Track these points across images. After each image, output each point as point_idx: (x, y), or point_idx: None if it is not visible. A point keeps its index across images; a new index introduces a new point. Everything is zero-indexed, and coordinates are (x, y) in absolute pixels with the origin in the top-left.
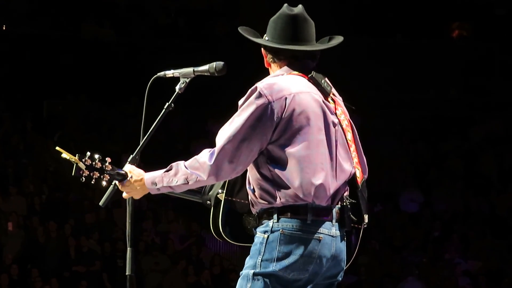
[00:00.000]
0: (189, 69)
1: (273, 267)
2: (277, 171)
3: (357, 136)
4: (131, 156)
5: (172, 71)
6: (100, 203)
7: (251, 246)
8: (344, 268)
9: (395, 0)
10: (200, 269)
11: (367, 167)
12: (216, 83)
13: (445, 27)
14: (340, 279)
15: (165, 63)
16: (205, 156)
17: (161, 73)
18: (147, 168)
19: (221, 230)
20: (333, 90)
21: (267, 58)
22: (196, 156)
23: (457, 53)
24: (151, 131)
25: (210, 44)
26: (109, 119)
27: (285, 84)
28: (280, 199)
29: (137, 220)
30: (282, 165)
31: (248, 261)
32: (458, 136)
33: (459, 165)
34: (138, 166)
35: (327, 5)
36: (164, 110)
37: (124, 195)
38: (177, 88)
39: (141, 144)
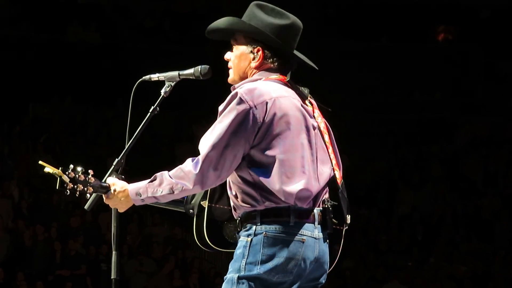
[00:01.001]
0: (174, 73)
1: (258, 270)
2: (258, 175)
3: (333, 138)
4: (117, 159)
5: (157, 74)
6: (86, 207)
7: (233, 251)
8: (328, 271)
9: (380, 3)
10: (185, 272)
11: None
12: (201, 86)
13: (430, 30)
14: (323, 281)
15: (150, 66)
16: (189, 165)
17: (146, 77)
18: (132, 172)
19: (206, 237)
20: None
21: (262, 59)
22: (180, 166)
23: (443, 56)
24: (136, 134)
25: (195, 47)
26: (95, 122)
27: (265, 89)
28: (263, 202)
29: (122, 223)
30: (264, 169)
31: (232, 265)
32: (443, 139)
33: (444, 168)
34: (123, 170)
35: (311, 8)
36: (149, 113)
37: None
38: (162, 91)
39: (126, 147)
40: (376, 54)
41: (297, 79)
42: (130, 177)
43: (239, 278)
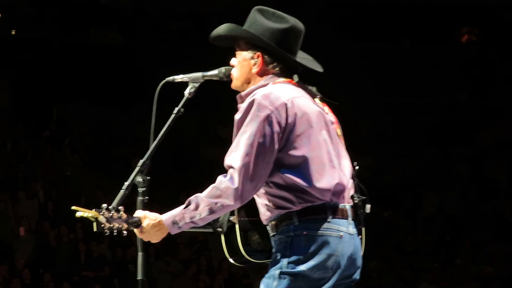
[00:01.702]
0: (198, 74)
1: (300, 267)
2: (290, 176)
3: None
4: (141, 161)
5: (181, 75)
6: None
7: (264, 262)
8: (360, 268)
9: (404, 5)
10: (210, 273)
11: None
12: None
13: (454, 32)
14: (358, 277)
15: (174, 67)
16: (224, 182)
17: (170, 78)
18: (157, 173)
19: (243, 251)
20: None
21: (263, 64)
22: (213, 185)
23: (466, 58)
24: (161, 136)
25: (219, 48)
26: (119, 123)
27: (280, 92)
28: (299, 203)
29: None
30: (294, 169)
31: (273, 265)
32: (468, 140)
33: (469, 169)
34: (148, 172)
35: (334, 10)
36: (173, 114)
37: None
38: (186, 92)
39: (150, 149)
40: (399, 56)
41: (315, 80)
42: (155, 178)
43: (281, 273)
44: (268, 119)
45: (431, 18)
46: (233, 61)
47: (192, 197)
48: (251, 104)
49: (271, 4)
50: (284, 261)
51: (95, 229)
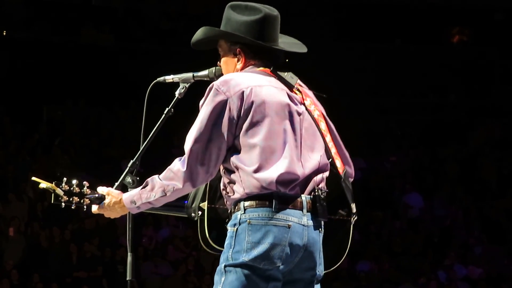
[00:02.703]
0: (189, 74)
1: (243, 257)
2: (240, 163)
3: (333, 127)
4: (131, 161)
5: (171, 76)
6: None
7: None
8: (338, 264)
9: (395, 5)
10: (200, 274)
11: (350, 160)
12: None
13: (445, 32)
14: (320, 273)
15: (164, 67)
16: (177, 164)
17: (161, 78)
18: (147, 174)
19: (208, 239)
20: (299, 82)
21: (245, 59)
22: (169, 167)
23: (457, 58)
24: (151, 136)
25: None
26: (109, 124)
27: (242, 79)
28: (244, 189)
29: (138, 226)
30: (245, 156)
31: (221, 257)
32: (457, 141)
33: (458, 170)
34: (138, 172)
35: (325, 10)
36: (164, 115)
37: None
38: (176, 93)
39: (141, 149)
40: (390, 56)
41: (308, 79)
42: (144, 180)
43: (225, 266)
44: (222, 105)
45: (422, 18)
46: (220, 63)
47: (149, 178)
48: (210, 89)
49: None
50: (230, 252)
51: (52, 201)
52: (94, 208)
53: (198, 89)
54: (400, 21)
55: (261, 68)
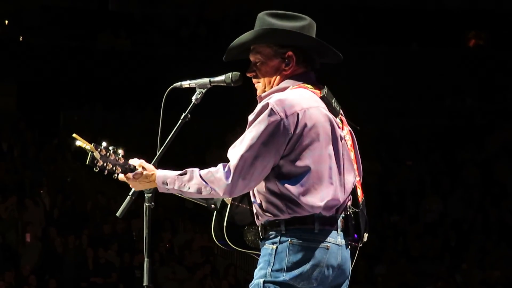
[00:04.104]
0: (205, 80)
1: (283, 276)
2: (285, 185)
3: (359, 155)
4: None
5: (188, 81)
6: (118, 214)
7: (248, 252)
8: (349, 278)
9: (411, 9)
10: (216, 279)
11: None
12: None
13: (461, 36)
14: (347, 286)
15: (181, 72)
16: (221, 172)
17: (177, 84)
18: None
19: (225, 234)
20: (341, 110)
21: (295, 62)
22: (211, 169)
23: (474, 62)
24: (167, 141)
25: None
26: (125, 129)
27: (296, 100)
28: (288, 213)
29: (155, 231)
30: (292, 180)
31: (258, 273)
32: (475, 145)
33: (475, 174)
34: None
35: (341, 15)
36: (180, 120)
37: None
38: (193, 98)
39: (157, 154)
40: (406, 59)
41: (325, 83)
42: None
43: (265, 282)
44: (276, 125)
45: (439, 22)
46: (251, 70)
47: (190, 169)
48: (264, 108)
49: (280, 9)
50: (268, 269)
51: (87, 162)
52: (121, 176)
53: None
54: (417, 25)
55: (311, 88)
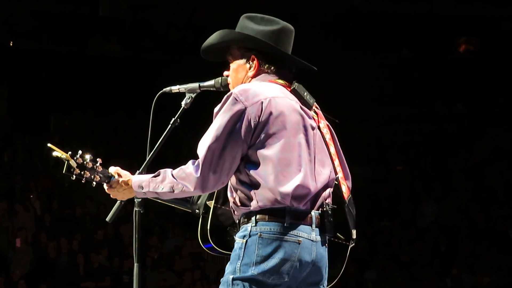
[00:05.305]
0: (195, 84)
1: (252, 271)
2: (254, 174)
3: (341, 151)
4: (138, 171)
5: (177, 86)
6: (107, 219)
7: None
8: (331, 285)
9: (402, 15)
10: (206, 284)
11: (351, 183)
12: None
13: (452, 42)
14: (326, 287)
15: (171, 77)
16: (191, 167)
17: (167, 89)
18: None
19: (209, 238)
20: (316, 104)
21: (258, 66)
22: (182, 167)
23: (464, 67)
24: (157, 146)
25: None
26: (116, 134)
27: (260, 89)
28: (258, 202)
29: (144, 236)
30: (260, 168)
31: (228, 267)
32: (465, 150)
33: (465, 179)
34: None
35: (333, 20)
36: (170, 125)
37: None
38: (183, 103)
39: (147, 159)
40: (397, 65)
41: (315, 89)
42: None
43: (233, 279)
44: (240, 114)
45: (429, 28)
46: (226, 72)
47: (162, 170)
48: (228, 97)
49: (271, 16)
50: (238, 263)
51: (64, 171)
52: (105, 187)
53: (205, 99)
54: (407, 31)
55: (281, 82)
